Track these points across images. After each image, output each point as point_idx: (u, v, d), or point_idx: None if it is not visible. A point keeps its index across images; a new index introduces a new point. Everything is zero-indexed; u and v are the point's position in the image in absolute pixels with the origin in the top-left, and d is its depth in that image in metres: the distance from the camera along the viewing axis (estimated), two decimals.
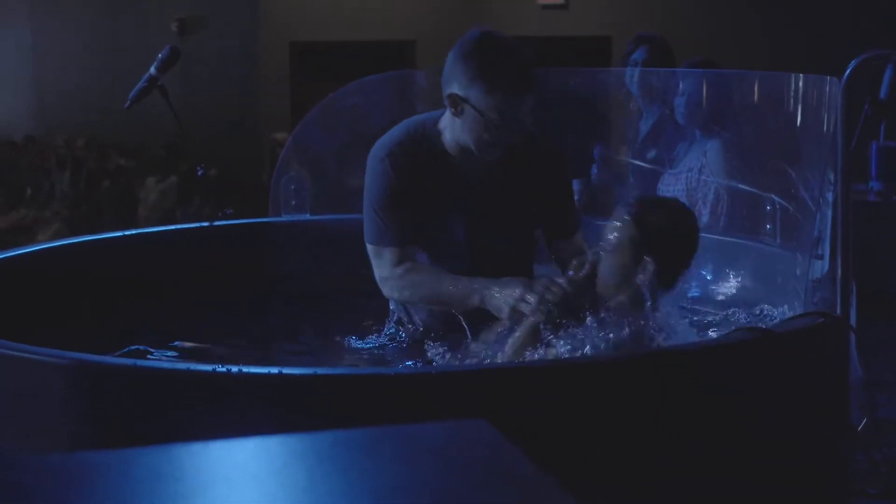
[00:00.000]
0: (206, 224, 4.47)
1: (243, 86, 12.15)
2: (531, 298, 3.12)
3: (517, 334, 3.12)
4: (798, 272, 3.41)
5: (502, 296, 3.19)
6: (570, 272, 3.19)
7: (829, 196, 3.30)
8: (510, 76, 3.26)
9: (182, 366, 2.63)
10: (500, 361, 3.08)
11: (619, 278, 3.11)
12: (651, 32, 5.63)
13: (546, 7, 11.77)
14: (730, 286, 3.89)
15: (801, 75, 3.66)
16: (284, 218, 4.72)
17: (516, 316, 3.16)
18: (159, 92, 4.26)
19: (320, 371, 2.64)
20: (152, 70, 4.24)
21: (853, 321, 3.24)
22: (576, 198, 4.98)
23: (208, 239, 4.42)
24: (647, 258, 3.04)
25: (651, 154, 5.19)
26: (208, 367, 2.54)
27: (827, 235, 3.28)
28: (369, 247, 3.45)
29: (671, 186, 5.10)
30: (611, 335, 2.95)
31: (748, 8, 10.37)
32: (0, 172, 12.90)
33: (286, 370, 2.49)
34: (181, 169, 11.55)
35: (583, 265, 3.17)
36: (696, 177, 4.98)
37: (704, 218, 4.87)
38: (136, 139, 12.55)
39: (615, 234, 3.12)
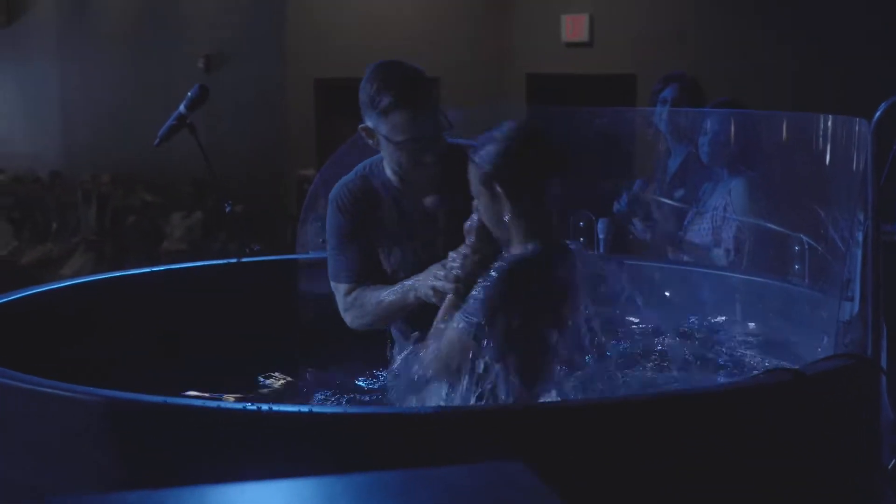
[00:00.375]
0: (234, 260, 4.48)
1: (269, 122, 12.22)
2: (442, 273, 3.27)
3: (439, 312, 3.23)
4: (828, 313, 3.39)
5: (426, 282, 3.34)
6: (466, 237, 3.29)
7: (859, 236, 3.29)
8: (396, 95, 3.38)
9: (212, 404, 2.62)
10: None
11: (495, 221, 3.17)
12: (680, 71, 5.64)
13: (571, 45, 11.80)
14: (756, 326, 3.88)
15: (829, 116, 3.66)
16: (312, 254, 4.72)
17: (440, 295, 3.28)
18: (188, 130, 4.28)
19: (350, 410, 2.64)
20: (182, 108, 4.26)
21: (883, 363, 3.22)
22: (601, 237, 5.00)
23: (235, 275, 4.43)
24: (497, 189, 3.10)
25: (679, 192, 5.19)
26: (238, 406, 2.54)
27: (857, 276, 3.27)
28: (331, 283, 3.68)
29: (697, 225, 5.10)
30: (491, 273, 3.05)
31: (775, 47, 10.36)
32: (26, 208, 12.99)
33: (316, 409, 2.49)
34: (207, 205, 11.60)
35: (470, 228, 3.24)
36: (720, 215, 4.97)
37: (729, 256, 4.87)
38: (162, 175, 12.62)
39: (471, 182, 3.20)
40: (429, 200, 3.54)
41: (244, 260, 4.49)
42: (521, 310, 3.02)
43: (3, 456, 2.85)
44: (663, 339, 3.47)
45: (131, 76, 14.10)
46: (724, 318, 3.83)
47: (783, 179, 4.56)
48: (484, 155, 3.14)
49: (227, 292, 4.31)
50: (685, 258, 5.02)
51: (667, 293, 4.27)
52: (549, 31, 11.87)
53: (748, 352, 3.60)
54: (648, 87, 5.81)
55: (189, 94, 4.29)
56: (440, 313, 3.23)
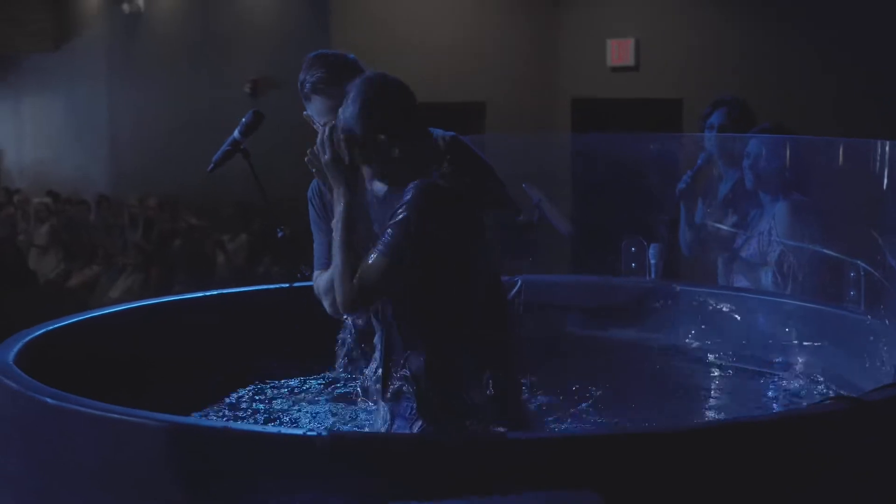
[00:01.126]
0: (286, 286, 4.49)
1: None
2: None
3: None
4: (887, 340, 3.37)
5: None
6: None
7: None
8: (315, 80, 3.62)
9: (273, 429, 2.63)
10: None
11: (385, 170, 3.27)
12: (729, 95, 5.62)
13: (616, 69, 11.79)
14: (814, 353, 3.86)
15: (886, 142, 3.64)
16: None
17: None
18: (242, 155, 4.26)
19: (408, 435, 2.64)
20: (236, 134, 4.25)
21: None
22: (653, 262, 5.00)
23: (286, 300, 4.45)
24: (381, 138, 3.19)
25: (730, 215, 5.18)
26: (299, 431, 2.55)
27: None
28: None
29: (746, 250, 5.09)
30: None
31: (823, 72, 10.31)
32: (73, 230, 13.09)
33: (381, 435, 2.48)
34: (252, 228, 11.64)
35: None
36: (767, 239, 4.96)
37: (775, 279, 4.85)
38: (207, 198, 12.67)
39: (350, 155, 3.27)
40: (373, 183, 3.59)
41: (296, 285, 4.49)
42: (442, 236, 3.11)
43: (65, 481, 2.87)
44: None
45: (178, 100, 14.21)
46: (780, 344, 3.81)
47: (834, 204, 4.53)
48: (350, 118, 3.22)
49: (279, 317, 4.32)
50: (737, 282, 5.01)
51: (721, 319, 4.26)
52: (595, 56, 11.87)
53: (806, 379, 3.58)
54: (695, 112, 5.80)
55: (243, 119, 4.28)
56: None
